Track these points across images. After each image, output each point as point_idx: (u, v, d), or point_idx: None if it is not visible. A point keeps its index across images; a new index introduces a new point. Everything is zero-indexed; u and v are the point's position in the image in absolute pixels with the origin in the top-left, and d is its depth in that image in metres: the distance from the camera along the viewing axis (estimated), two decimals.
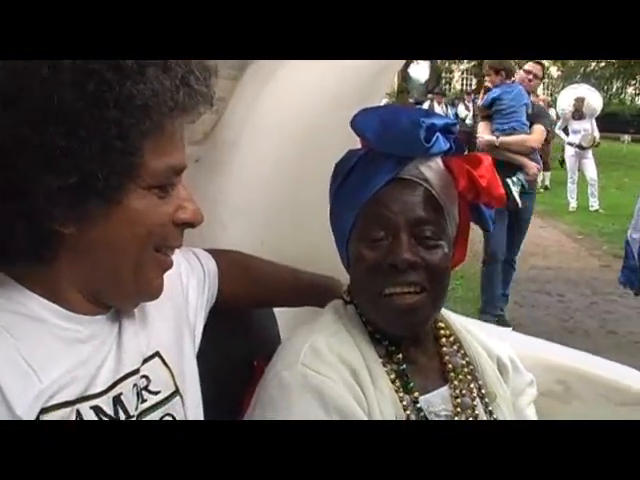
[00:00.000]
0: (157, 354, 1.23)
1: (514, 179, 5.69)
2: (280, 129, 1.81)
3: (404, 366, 1.38)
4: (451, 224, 1.39)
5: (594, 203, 12.52)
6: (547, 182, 15.21)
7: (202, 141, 1.73)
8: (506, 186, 5.47)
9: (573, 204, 12.70)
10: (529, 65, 6.17)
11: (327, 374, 1.28)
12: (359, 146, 1.46)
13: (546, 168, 15.16)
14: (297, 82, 1.75)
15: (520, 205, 5.71)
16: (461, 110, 17.46)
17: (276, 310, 1.76)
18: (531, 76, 6.08)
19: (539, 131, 6.00)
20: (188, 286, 1.41)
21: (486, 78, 6.39)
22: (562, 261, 8.95)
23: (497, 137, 5.81)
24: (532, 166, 5.83)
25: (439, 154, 1.37)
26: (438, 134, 1.34)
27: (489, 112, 6.00)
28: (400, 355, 1.38)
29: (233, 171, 1.78)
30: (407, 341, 1.41)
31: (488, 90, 6.04)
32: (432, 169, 1.36)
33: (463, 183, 1.35)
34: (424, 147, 1.32)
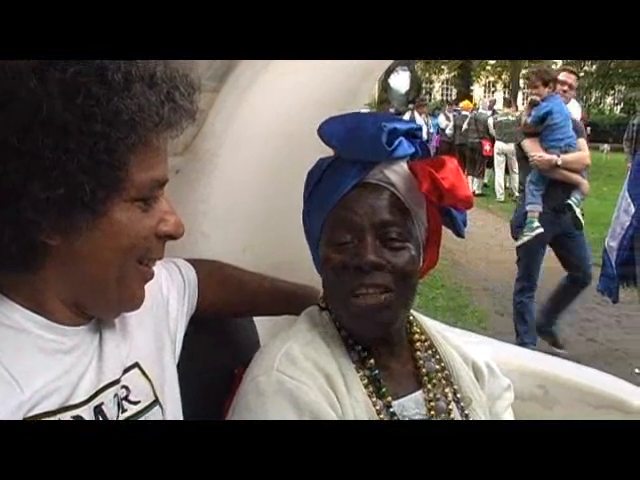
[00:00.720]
0: (137, 365, 1.25)
1: (574, 199, 5.33)
2: (260, 138, 1.84)
3: (376, 371, 1.40)
4: (419, 227, 1.42)
5: None
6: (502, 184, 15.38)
7: (182, 152, 1.75)
8: (569, 208, 5.29)
9: None
10: (564, 75, 5.75)
11: (302, 380, 1.31)
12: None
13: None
14: (277, 90, 1.77)
15: (582, 227, 5.40)
16: (442, 120, 17.55)
17: (256, 319, 1.78)
18: (566, 87, 5.67)
19: (585, 146, 5.62)
20: (169, 296, 1.43)
21: (531, 90, 5.74)
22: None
23: (558, 155, 5.32)
24: (586, 184, 5.49)
25: (403, 158, 1.40)
26: (402, 138, 1.37)
27: (538, 128, 5.47)
28: (372, 360, 1.41)
29: (214, 181, 1.81)
30: (380, 346, 1.43)
31: (535, 104, 5.46)
32: (397, 173, 1.40)
33: (426, 185, 1.37)
34: (386, 151, 1.35)
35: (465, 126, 15.94)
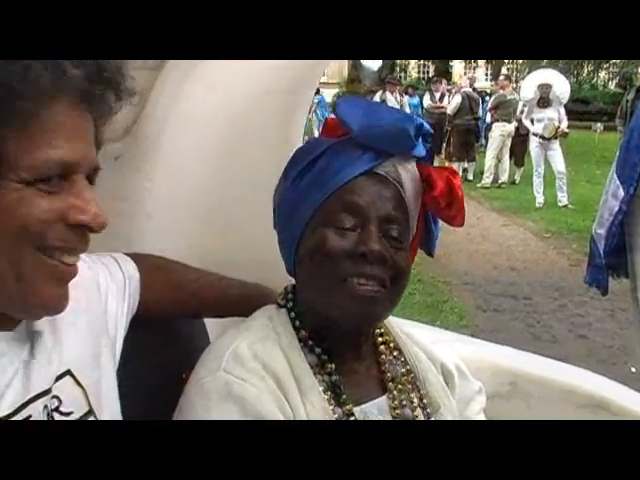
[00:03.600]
0: (69, 372, 1.24)
1: None
2: (207, 122, 1.84)
3: (336, 377, 1.42)
4: (410, 232, 1.48)
5: (562, 198, 12.71)
6: (517, 177, 15.44)
7: (122, 137, 1.75)
8: None
9: (540, 199, 12.85)
10: None
11: (250, 381, 1.32)
12: (293, 142, 1.51)
13: (519, 163, 15.40)
14: (225, 70, 1.77)
15: None
16: (426, 99, 17.48)
17: (207, 320, 1.79)
18: None
19: None
20: (107, 294, 1.43)
21: None
22: (528, 261, 9.10)
23: None
24: None
25: (417, 158, 1.46)
26: (420, 138, 1.44)
27: None
28: (332, 365, 1.43)
29: (156, 168, 1.81)
30: (344, 348, 1.46)
31: None
32: (408, 171, 1.45)
33: (441, 186, 1.43)
34: (412, 144, 1.41)
35: (455, 106, 15.94)
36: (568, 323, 6.77)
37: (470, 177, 15.88)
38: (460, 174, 15.05)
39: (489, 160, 15.12)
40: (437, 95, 17.27)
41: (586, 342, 6.30)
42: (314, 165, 1.44)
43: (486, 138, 16.28)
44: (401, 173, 1.44)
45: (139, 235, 1.80)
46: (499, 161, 15.27)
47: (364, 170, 1.41)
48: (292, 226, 1.46)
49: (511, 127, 14.83)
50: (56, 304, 1.16)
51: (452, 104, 16.16)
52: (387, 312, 1.45)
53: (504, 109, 14.77)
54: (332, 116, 1.51)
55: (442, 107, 16.83)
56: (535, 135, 13.01)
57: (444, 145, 16.95)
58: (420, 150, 1.44)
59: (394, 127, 1.40)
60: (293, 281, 1.52)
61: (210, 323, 1.79)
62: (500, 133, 14.85)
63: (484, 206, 13.02)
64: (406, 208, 1.44)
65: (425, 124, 1.44)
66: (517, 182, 15.32)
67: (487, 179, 15.07)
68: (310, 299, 1.45)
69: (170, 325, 1.67)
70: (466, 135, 15.84)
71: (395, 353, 1.56)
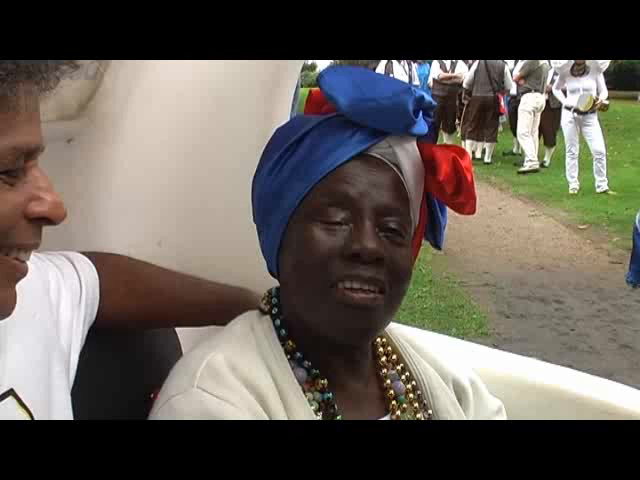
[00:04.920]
0: (11, 392, 1.24)
1: None
2: (178, 97, 1.85)
3: (330, 394, 1.43)
4: (412, 224, 1.47)
5: (601, 183, 12.72)
6: (547, 159, 15.42)
7: (76, 115, 1.75)
8: None
9: (574, 185, 12.88)
10: None
11: (228, 398, 1.32)
12: (279, 121, 1.51)
13: (549, 142, 15.35)
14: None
15: None
16: (434, 70, 17.40)
17: (180, 330, 1.80)
18: None
19: None
20: (59, 300, 1.44)
21: None
22: (560, 258, 9.11)
23: None
24: None
25: (417, 136, 1.45)
26: (421, 113, 1.42)
27: None
28: (324, 381, 1.44)
29: (118, 153, 1.81)
30: (337, 361, 1.46)
31: None
32: (407, 152, 1.44)
33: (447, 169, 1.42)
34: (411, 120, 1.40)
35: (471, 76, 15.91)
36: (608, 331, 6.76)
37: (488, 160, 15.88)
38: (479, 155, 15.04)
39: (525, 139, 15.06)
40: (447, 63, 17.14)
41: (630, 353, 6.28)
42: (297, 148, 1.43)
43: (511, 113, 16.26)
44: (399, 155, 1.43)
45: (97, 231, 1.81)
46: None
47: (355, 153, 1.40)
48: (273, 220, 1.46)
49: (543, 99, 14.79)
50: (7, 307, 1.17)
51: (467, 73, 16.14)
52: (385, 322, 1.46)
53: (535, 77, 14.72)
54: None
55: (455, 77, 16.72)
56: (568, 109, 12.96)
57: (458, 122, 16.92)
58: (421, 127, 1.43)
59: (389, 101, 1.38)
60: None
61: (183, 333, 1.81)
62: (534, 106, 14.79)
63: (507, 193, 13.02)
64: (406, 196, 1.44)
65: (426, 96, 1.42)
66: (547, 164, 15.30)
67: (530, 163, 14.98)
68: (295, 306, 1.45)
69: (136, 336, 1.69)
70: (484, 110, 15.76)
71: (399, 367, 1.56)
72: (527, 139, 15.00)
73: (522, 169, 14.92)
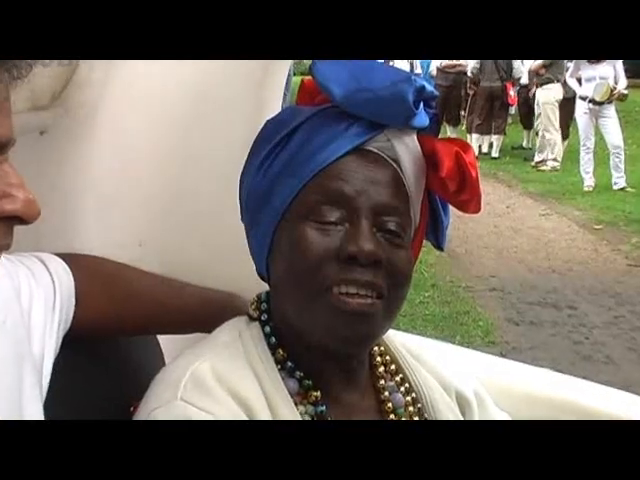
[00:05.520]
0: None
1: None
2: (160, 86, 1.85)
3: (323, 407, 1.43)
4: (412, 224, 1.48)
5: (619, 179, 12.74)
6: (559, 153, 15.42)
7: (49, 105, 1.75)
8: None
9: (589, 181, 12.89)
10: None
11: (214, 411, 1.32)
12: (270, 112, 1.51)
13: (562, 135, 15.33)
14: None
15: None
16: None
17: (162, 337, 1.81)
18: None
19: None
20: (31, 305, 1.44)
21: None
22: (573, 260, 9.13)
23: None
24: None
25: (418, 129, 1.45)
26: (422, 104, 1.43)
27: None
28: (318, 393, 1.44)
29: (95, 146, 1.81)
30: (331, 372, 1.46)
31: None
32: (407, 147, 1.45)
33: (449, 164, 1.42)
34: (411, 112, 1.40)
35: (476, 65, 15.89)
36: (626, 339, 6.78)
37: (495, 154, 15.89)
38: (485, 149, 15.03)
39: (554, 135, 15.02)
40: None
41: None
42: (288, 142, 1.44)
43: (521, 104, 16.27)
44: (398, 149, 1.43)
45: (73, 231, 1.81)
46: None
47: (351, 147, 1.40)
48: (262, 220, 1.46)
49: (559, 89, 14.77)
50: None
51: (472, 61, 16.12)
52: (383, 330, 1.46)
53: (557, 66, 14.71)
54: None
55: (459, 65, 16.73)
56: (583, 99, 12.97)
57: (464, 114, 16.94)
58: (422, 119, 1.43)
59: (388, 91, 1.38)
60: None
61: (166, 341, 1.81)
62: (556, 98, 14.78)
63: (516, 191, 13.03)
64: (406, 194, 1.44)
65: (427, 85, 1.42)
66: (558, 160, 15.30)
67: (554, 163, 14.99)
68: (286, 312, 1.45)
69: (114, 343, 1.69)
70: (492, 101, 15.77)
71: (397, 378, 1.57)
72: (556, 135, 14.99)
73: (541, 167, 14.90)
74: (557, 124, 14.85)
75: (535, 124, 16.34)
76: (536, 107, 15.55)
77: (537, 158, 15.24)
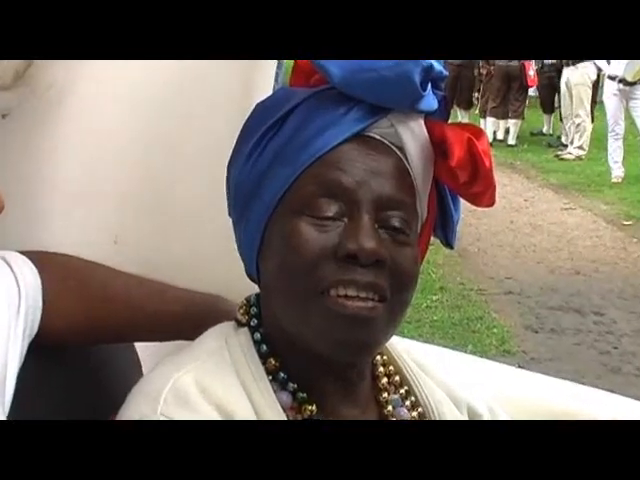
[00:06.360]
0: None
1: None
2: (139, 68, 1.82)
3: None
4: (418, 219, 1.49)
5: None
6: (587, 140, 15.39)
7: (12, 85, 1.75)
8: None
9: (618, 172, 12.87)
10: None
11: None
12: (259, 96, 1.52)
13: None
14: None
15: None
16: None
17: (139, 345, 1.82)
18: None
19: None
20: None
21: None
22: (599, 260, 9.14)
23: None
24: None
25: (425, 113, 1.46)
26: (429, 85, 1.43)
27: None
28: (313, 406, 1.44)
29: (64, 132, 1.82)
30: (328, 383, 1.47)
31: None
32: (413, 133, 1.45)
33: (460, 153, 1.41)
34: (417, 94, 1.40)
35: None
36: None
37: (512, 141, 15.88)
38: (501, 136, 15.04)
39: (586, 120, 15.02)
40: None
41: None
42: (281, 127, 1.44)
43: (542, 86, 16.27)
44: (403, 136, 1.43)
45: (40, 226, 1.81)
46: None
47: (351, 134, 1.40)
48: (252, 214, 1.46)
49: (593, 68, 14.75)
50: None
51: None
52: (386, 336, 1.46)
53: None
54: None
55: None
56: (612, 78, 12.95)
57: (477, 96, 16.95)
58: (429, 102, 1.43)
59: (392, 70, 1.37)
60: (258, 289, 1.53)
61: (144, 348, 1.82)
62: (591, 78, 14.80)
63: (535, 182, 13.03)
64: (412, 185, 1.44)
65: (435, 64, 1.41)
66: (584, 148, 15.30)
67: (580, 152, 14.98)
68: (278, 316, 1.46)
69: (86, 351, 1.70)
70: (508, 82, 15.74)
71: (402, 391, 1.58)
72: (587, 120, 14.99)
73: (563, 155, 14.89)
74: (589, 107, 14.84)
75: (562, 107, 16.27)
76: (563, 88, 15.50)
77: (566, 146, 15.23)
